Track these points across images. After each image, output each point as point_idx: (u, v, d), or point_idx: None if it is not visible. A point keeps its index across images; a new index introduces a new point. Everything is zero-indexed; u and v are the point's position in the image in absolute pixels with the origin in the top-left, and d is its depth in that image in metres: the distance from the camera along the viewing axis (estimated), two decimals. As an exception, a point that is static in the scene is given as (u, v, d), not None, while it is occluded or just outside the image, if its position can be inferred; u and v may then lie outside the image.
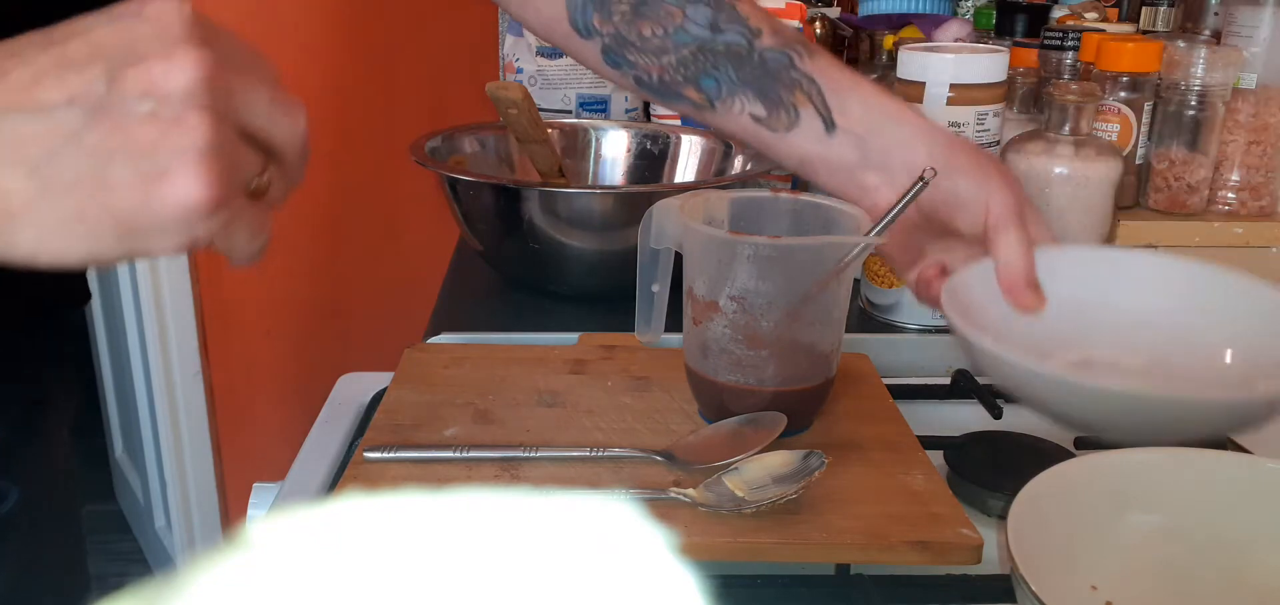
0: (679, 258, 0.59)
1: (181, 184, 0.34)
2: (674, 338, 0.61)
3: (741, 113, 0.63)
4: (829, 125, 0.61)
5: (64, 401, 0.65)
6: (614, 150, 1.04)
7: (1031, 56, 0.93)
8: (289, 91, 0.39)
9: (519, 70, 1.24)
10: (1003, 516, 0.57)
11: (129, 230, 0.35)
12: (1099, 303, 0.61)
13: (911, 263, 0.64)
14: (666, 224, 0.58)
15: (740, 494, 0.50)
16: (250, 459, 1.86)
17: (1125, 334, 0.60)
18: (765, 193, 0.64)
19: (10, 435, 0.60)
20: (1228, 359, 0.57)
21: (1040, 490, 0.45)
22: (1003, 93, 0.76)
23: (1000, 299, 0.59)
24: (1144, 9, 0.95)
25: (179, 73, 0.35)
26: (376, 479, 0.53)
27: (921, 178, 0.55)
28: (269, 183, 0.39)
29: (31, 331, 0.60)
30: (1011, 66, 0.90)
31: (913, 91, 0.75)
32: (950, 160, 0.60)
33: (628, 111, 1.26)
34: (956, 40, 1.08)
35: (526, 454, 0.54)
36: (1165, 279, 0.61)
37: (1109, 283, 0.61)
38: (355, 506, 0.15)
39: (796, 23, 1.10)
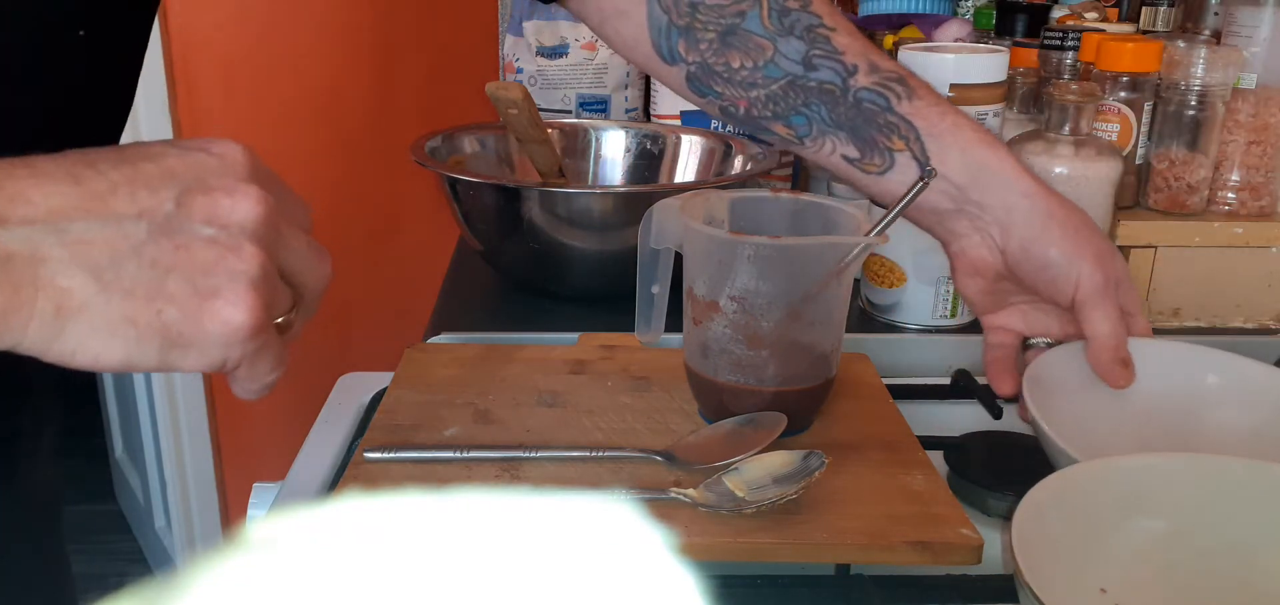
0: (679, 258, 0.59)
1: (230, 304, 0.37)
2: (674, 338, 0.61)
3: (832, 153, 0.62)
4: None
5: (39, 432, 0.63)
6: (614, 150, 1.04)
7: (1031, 56, 0.93)
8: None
9: (519, 70, 1.24)
10: (1003, 517, 0.57)
11: (173, 341, 0.37)
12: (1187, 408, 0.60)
13: (994, 308, 0.63)
14: (666, 224, 0.58)
15: (740, 494, 0.50)
16: (250, 459, 1.86)
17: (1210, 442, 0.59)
18: (765, 193, 0.64)
19: None
20: None
21: (1044, 496, 0.45)
22: (1003, 93, 0.76)
23: (1082, 381, 0.59)
24: (1144, 9, 0.95)
25: (242, 207, 0.38)
26: (376, 479, 0.53)
27: (921, 178, 0.55)
28: (293, 320, 0.42)
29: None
30: (1011, 66, 0.90)
31: (913, 91, 0.74)
32: (1046, 225, 0.58)
33: (628, 111, 1.26)
34: (956, 40, 1.08)
35: (526, 454, 0.54)
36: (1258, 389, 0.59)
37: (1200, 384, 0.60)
38: (355, 506, 0.15)
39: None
